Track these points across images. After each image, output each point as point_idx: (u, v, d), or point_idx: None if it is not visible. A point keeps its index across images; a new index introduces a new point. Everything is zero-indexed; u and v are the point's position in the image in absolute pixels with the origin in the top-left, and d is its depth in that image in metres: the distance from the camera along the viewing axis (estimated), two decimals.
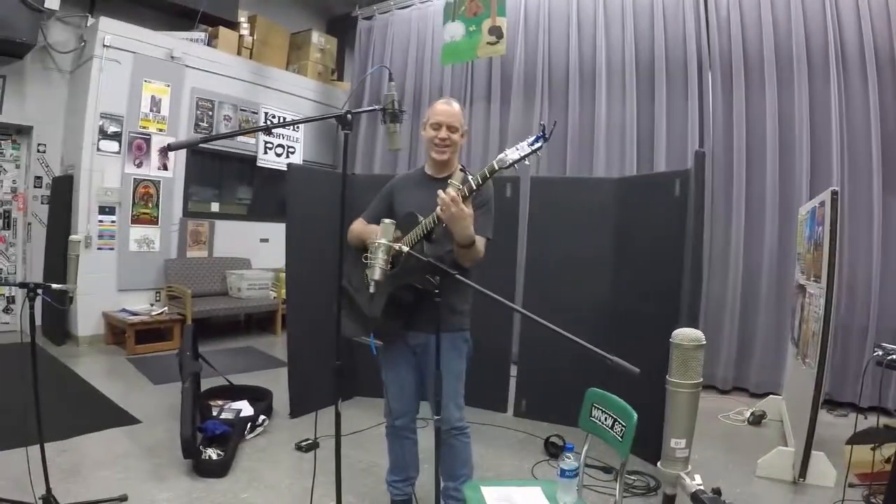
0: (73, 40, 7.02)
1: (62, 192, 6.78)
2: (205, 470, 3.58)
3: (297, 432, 4.24)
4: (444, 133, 2.65)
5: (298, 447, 4.01)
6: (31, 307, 3.01)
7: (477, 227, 2.47)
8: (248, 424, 4.24)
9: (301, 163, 8.42)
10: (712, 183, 5.84)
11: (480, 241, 2.54)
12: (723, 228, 5.88)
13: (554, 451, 4.01)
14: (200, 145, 7.33)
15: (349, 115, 2.20)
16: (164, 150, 6.95)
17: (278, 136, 8.36)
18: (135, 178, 7.04)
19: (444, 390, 2.63)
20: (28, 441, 3.42)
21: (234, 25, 8.06)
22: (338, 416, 2.25)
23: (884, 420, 4.10)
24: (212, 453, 3.74)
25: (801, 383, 3.89)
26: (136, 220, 7.11)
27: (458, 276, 2.19)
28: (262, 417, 4.40)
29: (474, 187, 2.27)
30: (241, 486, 3.44)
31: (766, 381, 5.58)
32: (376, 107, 2.50)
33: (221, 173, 8.34)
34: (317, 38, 8.87)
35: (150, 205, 7.22)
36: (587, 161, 6.57)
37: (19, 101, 6.78)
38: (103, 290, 6.81)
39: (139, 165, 7.06)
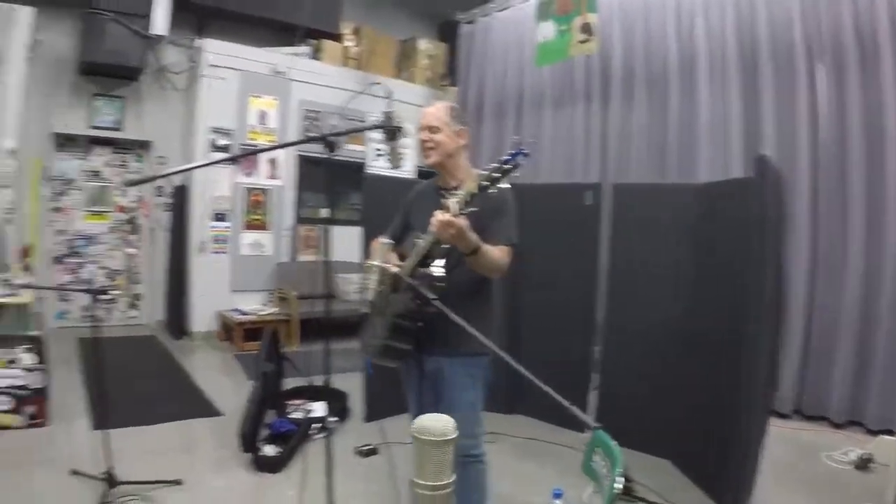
0: (185, 61, 7.64)
1: (180, 201, 7.37)
2: (261, 465, 3.79)
3: (364, 436, 4.31)
4: (424, 135, 2.59)
5: (358, 451, 4.11)
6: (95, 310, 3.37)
7: (492, 233, 2.43)
8: (316, 425, 4.38)
9: (414, 170, 8.60)
10: (815, 182, 5.27)
11: (499, 249, 2.45)
12: (839, 231, 5.19)
13: None
14: (302, 153, 7.83)
15: (331, 139, 2.25)
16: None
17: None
18: (245, 187, 7.55)
19: (455, 420, 2.64)
20: (115, 423, 3.93)
21: (338, 37, 8.37)
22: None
23: None
24: (270, 450, 3.94)
25: None
26: (248, 225, 7.61)
27: (435, 302, 2.15)
28: (331, 419, 4.56)
29: (464, 207, 2.18)
30: (290, 484, 3.59)
31: (890, 416, 4.76)
32: (373, 124, 2.52)
33: (333, 180, 8.69)
34: (424, 44, 9.02)
35: (260, 211, 7.72)
36: (688, 163, 6.09)
37: (138, 118, 7.50)
38: (217, 290, 7.35)
39: (249, 175, 7.57)
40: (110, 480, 3.26)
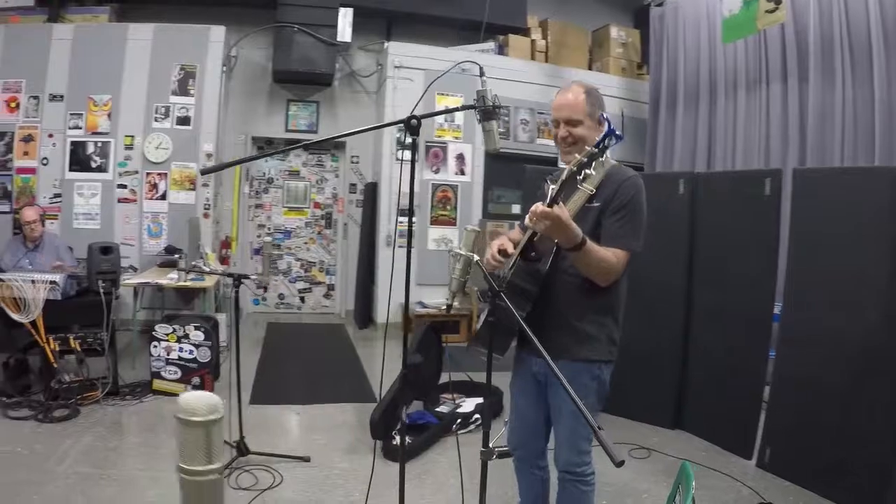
0: (373, 65, 8.10)
1: (371, 197, 7.78)
2: (389, 453, 3.86)
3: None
4: (562, 131, 2.30)
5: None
6: (237, 293, 3.70)
7: (610, 234, 2.20)
8: (459, 420, 4.37)
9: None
10: None
11: (612, 252, 2.17)
12: None
13: None
14: (503, 150, 7.83)
15: (415, 121, 2.16)
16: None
17: None
18: (433, 184, 7.74)
19: (558, 430, 2.42)
20: (274, 400, 4.67)
21: (525, 32, 8.33)
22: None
23: None
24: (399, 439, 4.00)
25: None
26: (435, 221, 7.79)
27: (503, 294, 1.93)
28: (476, 416, 4.52)
29: (554, 198, 1.99)
30: (411, 475, 3.57)
31: None
32: (467, 105, 2.36)
33: (525, 175, 8.62)
34: (616, 32, 8.65)
35: (447, 207, 7.86)
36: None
37: (333, 120, 8.06)
38: (402, 283, 7.59)
39: (436, 171, 7.74)
40: (240, 449, 3.58)
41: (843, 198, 3.68)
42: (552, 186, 2.03)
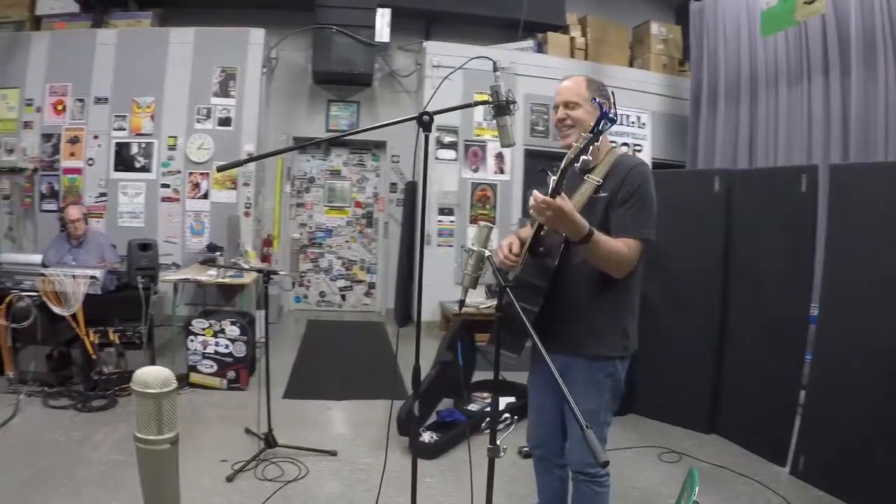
0: (412, 64, 8.14)
1: (411, 196, 7.85)
2: (414, 449, 3.85)
3: None
4: (560, 113, 2.35)
5: (519, 452, 3.96)
6: (266, 289, 3.76)
7: (620, 224, 2.17)
8: (488, 419, 4.32)
9: (650, 161, 8.15)
10: None
11: (623, 242, 2.13)
12: None
13: None
14: (543, 149, 7.78)
15: (426, 117, 2.14)
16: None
17: (622, 134, 8.23)
18: (472, 182, 7.73)
19: (571, 430, 2.39)
20: (306, 395, 4.76)
21: (564, 29, 8.26)
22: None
23: None
24: (427, 437, 3.99)
25: None
26: (475, 220, 7.75)
27: (509, 290, 1.94)
28: (506, 415, 4.49)
29: (555, 188, 1.96)
30: (433, 472, 3.64)
31: None
32: (480, 101, 2.34)
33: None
34: (657, 28, 8.50)
35: (487, 206, 7.83)
36: None
37: (373, 120, 8.06)
38: (441, 282, 7.54)
39: (476, 170, 7.73)
40: (268, 441, 3.65)
41: (884, 194, 3.48)
42: (553, 178, 1.97)
